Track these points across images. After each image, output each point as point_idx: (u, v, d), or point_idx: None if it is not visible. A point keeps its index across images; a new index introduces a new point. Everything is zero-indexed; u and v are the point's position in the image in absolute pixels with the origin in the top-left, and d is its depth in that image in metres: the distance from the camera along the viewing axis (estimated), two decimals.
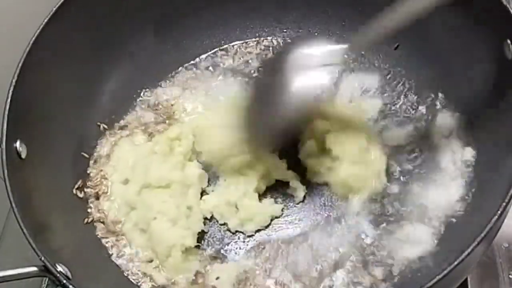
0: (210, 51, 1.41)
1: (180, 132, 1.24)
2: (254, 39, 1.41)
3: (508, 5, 1.03)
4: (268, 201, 1.19)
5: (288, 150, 1.21)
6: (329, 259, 1.10)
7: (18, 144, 1.08)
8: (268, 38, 1.41)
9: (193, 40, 1.41)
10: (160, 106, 1.35)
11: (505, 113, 1.06)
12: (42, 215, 1.08)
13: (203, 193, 1.22)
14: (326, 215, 1.17)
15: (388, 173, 1.17)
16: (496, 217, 0.89)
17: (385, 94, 1.29)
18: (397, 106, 1.27)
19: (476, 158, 1.12)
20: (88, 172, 1.26)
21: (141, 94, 1.37)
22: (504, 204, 0.90)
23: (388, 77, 1.31)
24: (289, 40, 1.38)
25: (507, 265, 1.16)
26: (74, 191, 1.21)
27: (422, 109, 1.25)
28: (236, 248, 1.17)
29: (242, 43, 1.41)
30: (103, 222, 1.21)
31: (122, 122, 1.34)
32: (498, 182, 0.97)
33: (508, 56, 1.04)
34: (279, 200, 1.21)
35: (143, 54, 1.38)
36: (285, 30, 1.41)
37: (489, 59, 1.09)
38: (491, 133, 1.10)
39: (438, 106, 1.24)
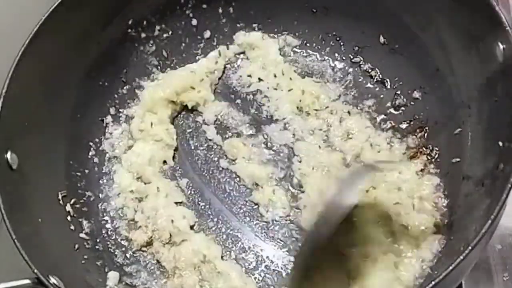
0: None
1: None
2: None
3: (498, 9, 1.02)
4: None
5: None
6: None
7: (9, 155, 1.07)
8: None
9: None
10: None
11: (497, 113, 1.06)
12: (34, 226, 1.07)
13: None
14: None
15: None
16: (490, 221, 0.89)
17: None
18: None
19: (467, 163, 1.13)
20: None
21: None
22: (497, 208, 0.90)
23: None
24: None
25: (501, 267, 1.16)
26: (62, 201, 1.21)
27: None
28: None
29: None
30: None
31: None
32: (494, 187, 0.98)
33: (499, 59, 1.03)
34: None
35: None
36: None
37: (480, 62, 1.09)
38: (484, 135, 1.10)
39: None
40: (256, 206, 1.26)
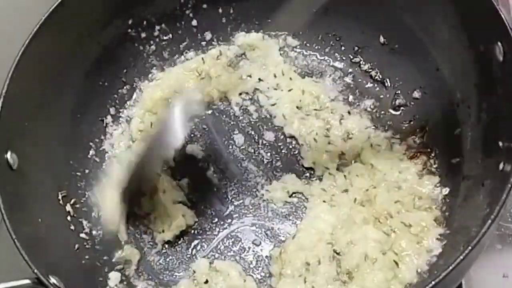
0: None
1: None
2: None
3: (498, 9, 1.02)
4: None
5: None
6: None
7: (9, 155, 1.07)
8: None
9: None
10: None
11: (497, 113, 1.06)
12: (34, 226, 1.07)
13: None
14: None
15: None
16: (490, 221, 0.89)
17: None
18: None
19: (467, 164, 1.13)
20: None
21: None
22: (497, 208, 0.90)
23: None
24: None
25: (501, 267, 1.16)
26: (62, 201, 1.21)
27: None
28: None
29: None
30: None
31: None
32: (494, 187, 0.98)
33: (499, 58, 1.03)
34: None
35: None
36: None
37: (480, 62, 1.09)
38: (484, 135, 1.10)
39: None
40: (256, 206, 1.26)
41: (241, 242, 1.23)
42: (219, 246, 1.23)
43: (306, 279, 1.12)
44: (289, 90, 1.37)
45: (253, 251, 1.22)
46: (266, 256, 1.21)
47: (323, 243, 1.15)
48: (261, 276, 1.19)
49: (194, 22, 1.43)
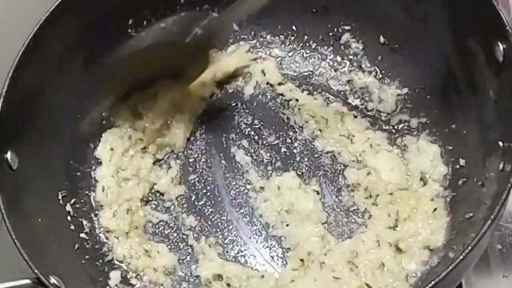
0: None
1: None
2: None
3: (498, 9, 1.02)
4: None
5: None
6: None
7: (9, 154, 1.08)
8: None
9: None
10: None
11: (497, 113, 1.06)
12: (34, 226, 1.08)
13: None
14: None
15: None
16: (490, 221, 0.89)
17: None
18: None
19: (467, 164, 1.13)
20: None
21: None
22: (498, 208, 0.90)
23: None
24: None
25: (501, 267, 1.16)
26: (62, 201, 1.21)
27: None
28: None
29: None
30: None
31: None
32: (494, 187, 0.98)
33: (499, 59, 1.03)
34: None
35: None
36: None
37: (480, 62, 1.09)
38: (484, 135, 1.10)
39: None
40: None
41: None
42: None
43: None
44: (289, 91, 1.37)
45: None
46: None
47: None
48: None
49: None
